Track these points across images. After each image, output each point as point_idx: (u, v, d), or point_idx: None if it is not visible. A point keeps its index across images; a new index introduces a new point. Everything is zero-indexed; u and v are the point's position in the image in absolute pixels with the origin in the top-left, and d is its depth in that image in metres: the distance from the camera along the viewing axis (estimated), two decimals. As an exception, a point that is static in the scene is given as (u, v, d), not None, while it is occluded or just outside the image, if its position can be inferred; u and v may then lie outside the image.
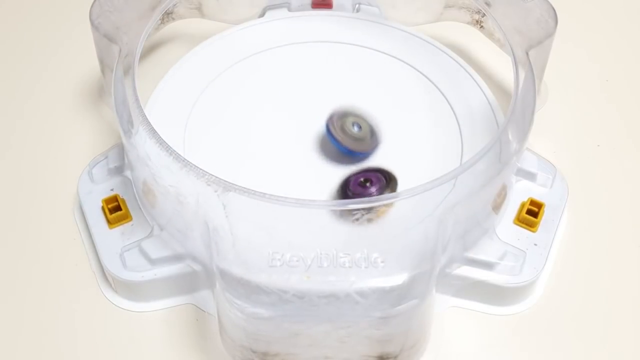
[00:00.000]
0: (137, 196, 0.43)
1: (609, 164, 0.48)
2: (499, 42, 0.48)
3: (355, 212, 0.37)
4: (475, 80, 0.48)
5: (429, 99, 0.47)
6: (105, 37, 0.44)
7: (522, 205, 0.44)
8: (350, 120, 0.43)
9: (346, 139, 0.43)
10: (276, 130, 0.46)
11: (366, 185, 0.41)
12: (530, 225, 0.43)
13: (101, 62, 0.47)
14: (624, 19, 0.57)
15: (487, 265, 0.41)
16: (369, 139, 0.44)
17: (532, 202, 0.43)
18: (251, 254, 0.37)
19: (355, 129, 0.43)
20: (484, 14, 0.48)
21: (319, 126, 0.45)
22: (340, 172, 0.43)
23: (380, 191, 0.41)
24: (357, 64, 0.49)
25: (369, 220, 0.38)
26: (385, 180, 0.42)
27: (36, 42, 0.55)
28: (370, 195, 0.41)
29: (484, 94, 0.47)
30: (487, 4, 0.47)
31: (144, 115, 0.40)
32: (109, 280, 0.42)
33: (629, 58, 0.55)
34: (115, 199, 0.43)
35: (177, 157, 0.38)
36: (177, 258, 0.41)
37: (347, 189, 0.42)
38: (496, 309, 0.42)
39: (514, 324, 0.42)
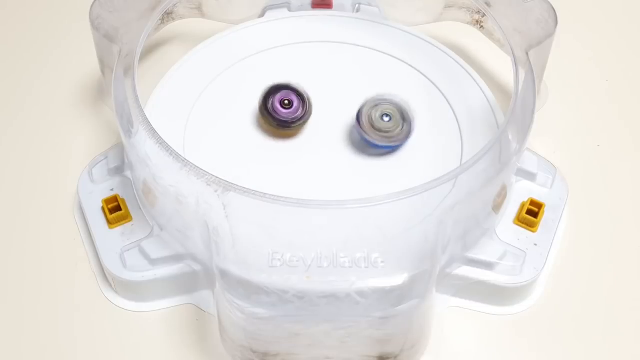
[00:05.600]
0: (137, 196, 0.43)
1: (609, 164, 0.48)
2: (499, 42, 0.48)
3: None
4: (475, 80, 0.48)
5: (429, 99, 0.47)
6: (105, 37, 0.44)
7: (522, 205, 0.44)
8: (379, 110, 0.43)
9: (374, 133, 0.43)
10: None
11: (289, 107, 0.44)
12: (530, 225, 0.43)
13: (101, 62, 0.47)
14: (624, 19, 0.57)
15: (487, 265, 0.41)
16: (400, 130, 0.43)
17: (532, 202, 0.43)
18: (251, 254, 0.37)
19: (385, 120, 0.43)
20: (484, 14, 0.48)
21: (319, 126, 0.45)
22: (341, 172, 0.44)
23: (302, 111, 0.44)
24: (357, 64, 0.49)
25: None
26: (301, 99, 0.44)
27: (36, 42, 0.55)
28: (294, 116, 0.44)
29: (484, 94, 0.47)
30: (487, 4, 0.47)
31: (144, 115, 0.40)
32: (109, 280, 0.42)
33: (630, 58, 0.55)
34: (115, 199, 0.43)
35: (177, 157, 0.38)
36: (177, 258, 0.41)
37: (273, 112, 0.44)
38: (496, 309, 0.42)
39: (514, 324, 0.42)
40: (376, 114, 0.43)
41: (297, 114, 0.44)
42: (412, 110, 0.43)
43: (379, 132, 0.43)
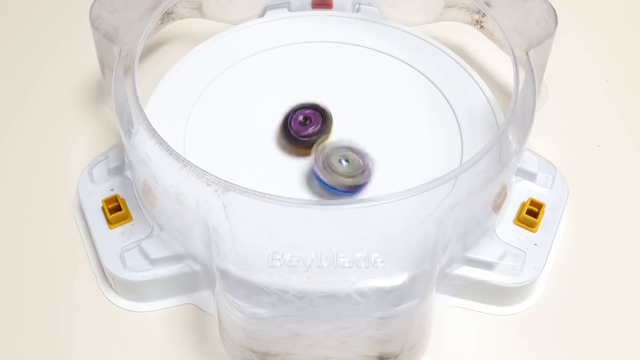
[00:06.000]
0: (137, 196, 0.43)
1: (609, 164, 0.48)
2: (499, 42, 0.48)
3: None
4: (475, 80, 0.48)
5: (429, 99, 0.47)
6: (105, 38, 0.44)
7: (522, 205, 0.44)
8: (336, 156, 0.41)
9: (335, 178, 0.41)
10: (276, 129, 0.46)
11: (306, 124, 0.44)
12: (530, 225, 0.43)
13: (101, 62, 0.47)
14: (624, 19, 0.57)
15: (487, 265, 0.41)
16: (361, 172, 0.41)
17: (532, 202, 0.43)
18: (251, 254, 0.37)
19: (343, 164, 0.41)
20: (484, 14, 0.48)
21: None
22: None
23: (319, 128, 0.43)
24: (357, 64, 0.49)
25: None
26: (322, 118, 0.44)
27: (36, 43, 0.55)
28: (310, 133, 0.43)
29: (484, 94, 0.47)
30: (487, 4, 0.47)
31: (144, 115, 0.40)
32: (109, 280, 0.42)
33: (629, 58, 0.55)
34: (115, 199, 0.43)
35: (177, 157, 0.38)
36: (177, 258, 0.41)
37: (289, 129, 0.44)
38: (496, 309, 0.42)
39: (514, 324, 0.42)
40: (334, 161, 0.41)
41: (314, 131, 0.44)
42: (364, 149, 0.42)
43: (343, 175, 0.41)
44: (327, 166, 0.41)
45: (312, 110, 0.44)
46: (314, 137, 0.43)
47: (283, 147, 0.45)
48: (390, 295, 0.36)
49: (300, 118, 0.44)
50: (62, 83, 0.52)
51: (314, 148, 0.42)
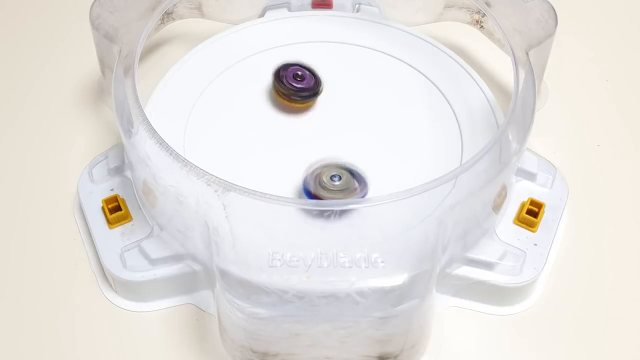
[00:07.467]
0: (137, 196, 0.43)
1: (609, 164, 0.48)
2: (499, 42, 0.48)
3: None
4: (475, 80, 0.48)
5: (429, 99, 0.47)
6: (105, 38, 0.44)
7: (522, 205, 0.44)
8: (327, 173, 0.40)
9: (327, 195, 0.40)
10: (276, 130, 0.46)
11: (300, 80, 0.46)
12: (530, 225, 0.43)
13: (101, 62, 0.47)
14: (624, 19, 0.57)
15: (487, 265, 0.41)
16: (353, 187, 0.40)
17: (532, 202, 0.43)
18: (251, 254, 0.37)
19: (335, 181, 0.40)
20: (484, 14, 0.48)
21: (319, 126, 0.46)
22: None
23: (310, 88, 0.46)
24: (357, 64, 0.49)
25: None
26: (315, 80, 0.46)
27: (36, 42, 0.55)
28: (302, 89, 0.46)
29: (484, 94, 0.47)
30: (487, 4, 0.47)
31: (144, 115, 0.40)
32: (109, 280, 0.42)
33: (629, 58, 0.55)
34: (115, 199, 0.43)
35: (177, 157, 0.38)
36: (177, 258, 0.41)
37: (282, 81, 0.46)
38: (496, 309, 0.42)
39: (514, 324, 0.42)
40: (325, 178, 0.40)
41: (310, 85, 0.46)
42: (357, 167, 0.41)
43: (335, 192, 0.40)
44: (318, 182, 0.40)
45: (302, 69, 0.46)
46: (309, 94, 0.46)
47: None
48: (390, 295, 0.36)
49: (298, 72, 0.46)
50: (62, 83, 0.52)
51: (308, 167, 0.41)
